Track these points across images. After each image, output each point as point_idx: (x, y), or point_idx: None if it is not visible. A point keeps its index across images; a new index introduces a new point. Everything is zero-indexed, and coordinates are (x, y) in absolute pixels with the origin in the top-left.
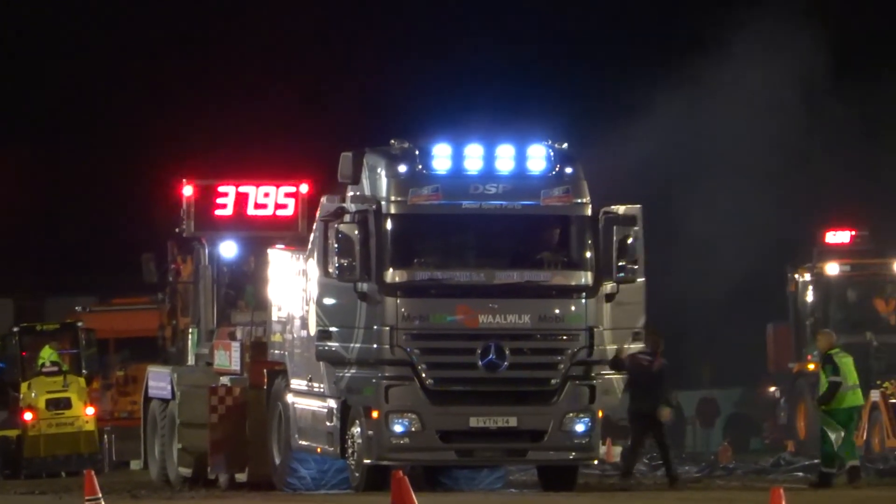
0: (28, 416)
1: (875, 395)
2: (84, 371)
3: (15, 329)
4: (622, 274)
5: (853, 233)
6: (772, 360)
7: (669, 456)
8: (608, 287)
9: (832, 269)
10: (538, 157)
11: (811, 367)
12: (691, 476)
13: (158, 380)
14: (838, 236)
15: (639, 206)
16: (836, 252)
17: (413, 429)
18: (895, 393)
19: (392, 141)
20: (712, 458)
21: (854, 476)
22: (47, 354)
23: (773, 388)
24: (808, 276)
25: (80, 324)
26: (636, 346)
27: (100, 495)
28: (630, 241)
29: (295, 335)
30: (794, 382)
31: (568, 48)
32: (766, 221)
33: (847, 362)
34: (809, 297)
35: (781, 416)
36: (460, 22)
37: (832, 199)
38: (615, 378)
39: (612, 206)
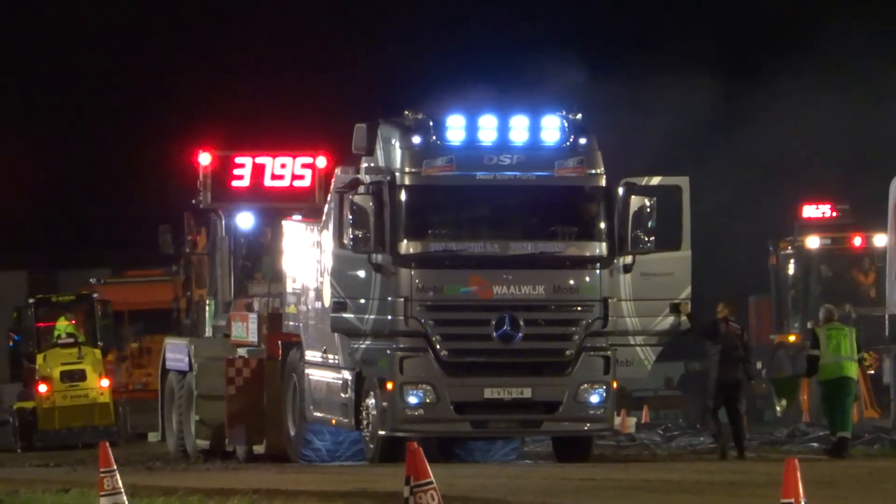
0: (42, 388)
1: None
2: (100, 343)
3: (31, 301)
4: (648, 245)
5: (833, 206)
6: (753, 332)
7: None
8: (628, 258)
9: (813, 242)
10: (552, 128)
11: (792, 338)
12: (706, 447)
13: (176, 352)
14: (818, 210)
15: (686, 176)
16: (817, 226)
17: (427, 400)
18: (873, 364)
19: (406, 112)
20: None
21: (841, 447)
22: (63, 326)
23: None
24: (789, 250)
25: (95, 295)
26: (677, 318)
27: (115, 467)
28: (647, 210)
29: (310, 307)
30: (775, 354)
31: (582, 20)
32: (751, 195)
33: (834, 335)
34: (791, 270)
35: (763, 388)
36: None
37: (813, 173)
38: (640, 349)
39: (657, 177)
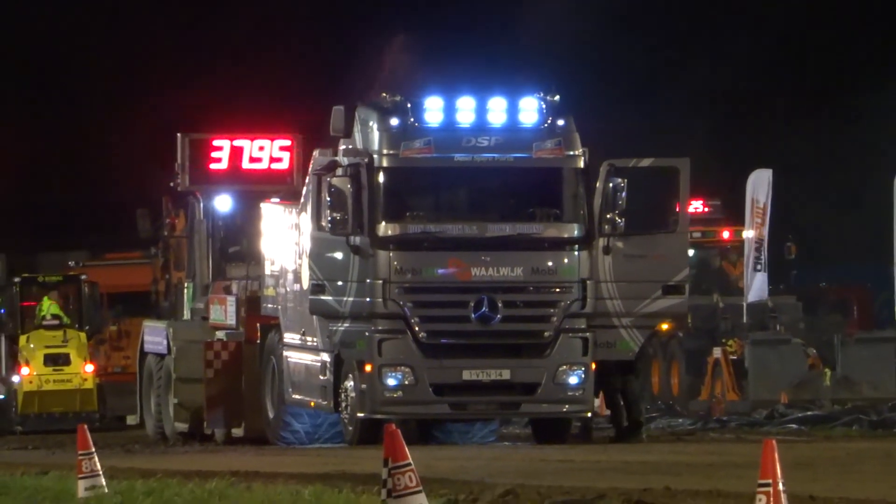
0: (24, 371)
1: (717, 353)
2: (86, 326)
3: (16, 280)
4: (624, 226)
5: (705, 202)
6: None
7: None
8: (608, 240)
9: None
10: (530, 110)
11: (664, 327)
12: (685, 428)
13: (154, 335)
14: (691, 206)
15: (686, 158)
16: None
17: (406, 382)
18: (737, 350)
19: (384, 94)
20: (705, 412)
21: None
22: (47, 306)
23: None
24: None
25: (83, 277)
26: (671, 301)
27: (93, 450)
28: (624, 192)
29: (288, 289)
30: (668, 342)
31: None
32: None
33: None
34: None
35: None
36: None
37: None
38: (625, 331)
39: (659, 159)
